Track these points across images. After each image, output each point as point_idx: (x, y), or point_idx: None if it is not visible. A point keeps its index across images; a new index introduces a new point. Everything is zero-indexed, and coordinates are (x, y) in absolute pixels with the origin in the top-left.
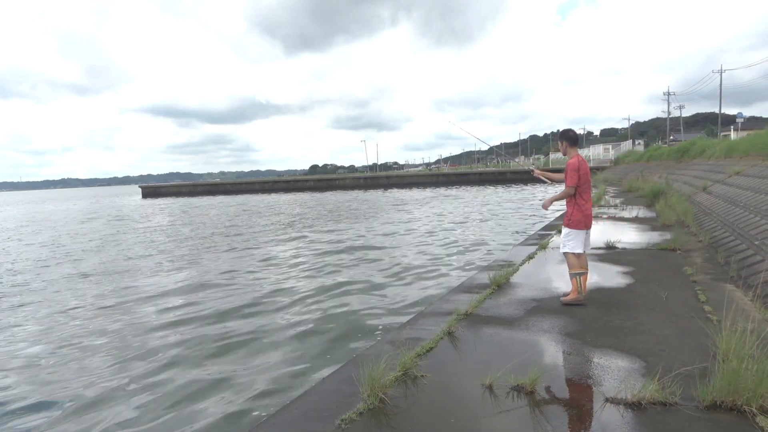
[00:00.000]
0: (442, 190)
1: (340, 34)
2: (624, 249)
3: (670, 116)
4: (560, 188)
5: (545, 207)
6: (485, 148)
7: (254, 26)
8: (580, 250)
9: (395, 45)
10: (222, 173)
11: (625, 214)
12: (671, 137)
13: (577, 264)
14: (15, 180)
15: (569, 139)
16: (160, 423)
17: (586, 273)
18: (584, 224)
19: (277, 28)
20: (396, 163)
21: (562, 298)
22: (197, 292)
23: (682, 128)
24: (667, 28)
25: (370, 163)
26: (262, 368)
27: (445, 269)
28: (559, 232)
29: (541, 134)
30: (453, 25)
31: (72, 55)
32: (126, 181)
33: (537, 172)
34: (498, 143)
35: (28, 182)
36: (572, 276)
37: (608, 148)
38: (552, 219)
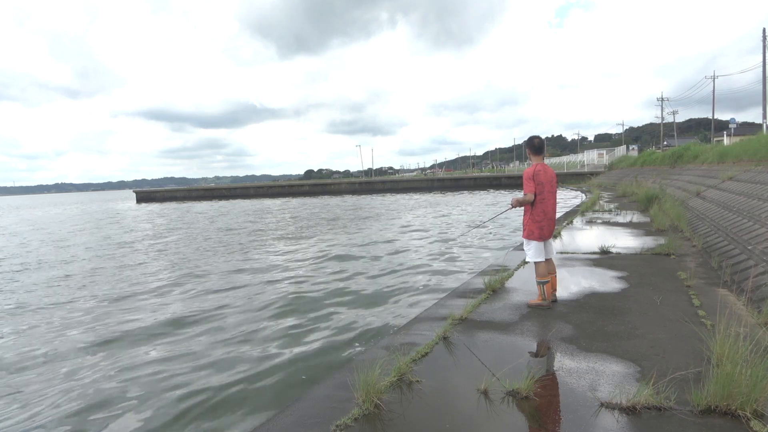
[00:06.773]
0: (438, 196)
1: (336, 36)
2: (618, 254)
3: (664, 121)
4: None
5: (512, 206)
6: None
7: (246, 27)
8: (540, 259)
9: (392, 48)
10: (217, 178)
11: (620, 218)
12: (665, 142)
13: (544, 272)
14: (8, 185)
15: (531, 146)
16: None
17: (550, 282)
18: (537, 236)
19: (271, 30)
20: (391, 167)
21: (529, 301)
22: (188, 301)
23: (675, 133)
24: (664, 32)
25: (366, 167)
26: (258, 372)
27: (444, 272)
28: (554, 237)
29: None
30: (450, 27)
31: (62, 57)
32: (120, 185)
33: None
34: (493, 148)
35: (21, 187)
36: (537, 283)
37: (602, 154)
38: None
